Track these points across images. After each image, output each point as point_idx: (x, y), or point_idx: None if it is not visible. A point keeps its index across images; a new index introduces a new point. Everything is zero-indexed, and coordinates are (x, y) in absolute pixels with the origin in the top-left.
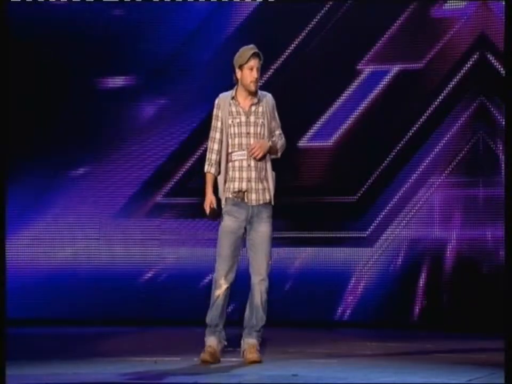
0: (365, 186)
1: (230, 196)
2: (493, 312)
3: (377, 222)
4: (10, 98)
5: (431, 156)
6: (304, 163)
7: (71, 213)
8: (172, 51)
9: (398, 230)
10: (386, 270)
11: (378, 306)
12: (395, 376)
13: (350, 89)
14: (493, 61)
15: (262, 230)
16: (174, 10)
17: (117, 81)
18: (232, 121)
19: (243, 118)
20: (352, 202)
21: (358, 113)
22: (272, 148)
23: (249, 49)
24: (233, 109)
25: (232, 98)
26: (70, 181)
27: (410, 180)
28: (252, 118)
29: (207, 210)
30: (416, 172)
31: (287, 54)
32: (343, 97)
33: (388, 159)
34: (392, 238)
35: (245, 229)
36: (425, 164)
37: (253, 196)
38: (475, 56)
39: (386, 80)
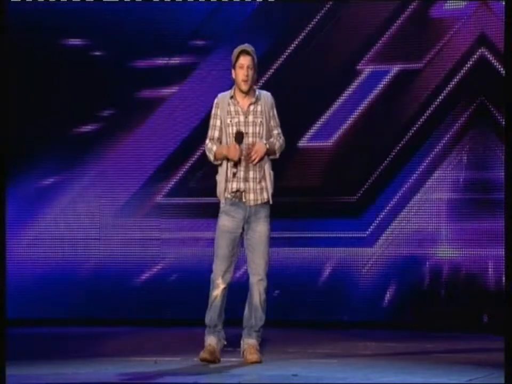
0: (365, 186)
1: (229, 196)
2: (493, 312)
3: (377, 222)
4: (9, 98)
5: (431, 155)
6: (304, 163)
7: (71, 213)
8: (172, 51)
9: (398, 230)
10: (386, 270)
11: (378, 306)
12: (395, 376)
13: (350, 89)
14: (493, 61)
15: (260, 229)
16: (174, 11)
17: (117, 81)
18: (231, 121)
19: (241, 118)
20: (352, 202)
21: (358, 113)
22: (270, 149)
23: (239, 47)
24: (232, 109)
25: (231, 97)
26: (70, 181)
27: (410, 180)
28: (250, 118)
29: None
30: (416, 172)
31: (287, 54)
32: (343, 97)
33: (388, 159)
34: (392, 238)
35: (243, 228)
36: (425, 164)
37: (251, 196)
38: (475, 56)
39: (386, 80)
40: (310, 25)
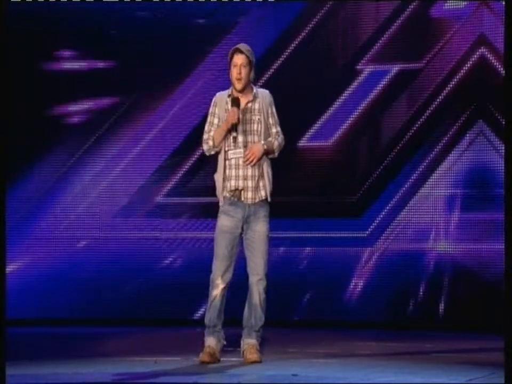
0: (365, 186)
1: (227, 195)
2: (493, 312)
3: (377, 222)
4: (8, 98)
5: (431, 155)
6: (304, 163)
7: (71, 213)
8: (173, 52)
9: (398, 229)
10: (386, 270)
11: (378, 306)
12: (395, 376)
13: (350, 89)
14: (493, 61)
15: (259, 229)
16: (175, 10)
17: (116, 81)
18: None
19: (239, 115)
20: (352, 202)
21: (358, 113)
22: (268, 150)
23: (234, 47)
24: (230, 107)
25: (229, 96)
26: (70, 181)
27: (410, 180)
28: (248, 116)
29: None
30: (416, 172)
31: (287, 54)
32: (343, 97)
33: (388, 159)
34: (392, 238)
35: (242, 228)
36: (425, 164)
37: (249, 194)
38: (475, 56)
39: (386, 80)
40: (310, 25)
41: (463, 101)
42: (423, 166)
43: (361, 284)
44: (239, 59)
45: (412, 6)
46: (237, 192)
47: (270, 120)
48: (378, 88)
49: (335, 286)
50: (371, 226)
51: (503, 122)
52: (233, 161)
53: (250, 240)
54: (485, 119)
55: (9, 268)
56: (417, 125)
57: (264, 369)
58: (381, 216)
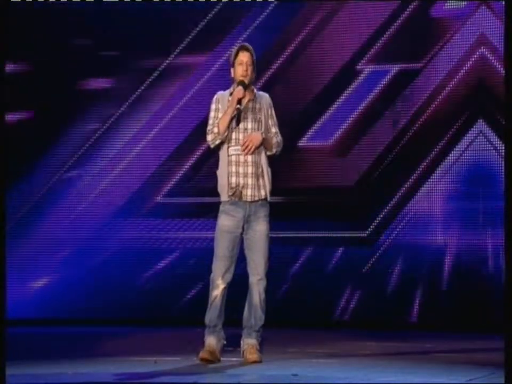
0: (365, 186)
1: (229, 193)
2: (492, 312)
3: (377, 222)
4: (7, 98)
5: (431, 155)
6: (304, 163)
7: (71, 213)
8: (173, 50)
9: (397, 229)
10: (386, 270)
11: (378, 306)
12: (395, 376)
13: (350, 89)
14: (493, 61)
15: (260, 229)
16: (174, 11)
17: (116, 81)
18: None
19: (240, 114)
20: (352, 202)
21: (358, 113)
22: (266, 141)
23: (238, 45)
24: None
25: (230, 94)
26: (70, 181)
27: (410, 180)
28: (249, 114)
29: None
30: (416, 172)
31: (287, 53)
32: (343, 97)
33: (388, 159)
34: (392, 237)
35: (243, 228)
36: (425, 164)
37: (249, 192)
38: (475, 56)
39: (386, 80)
40: (310, 25)
41: (463, 101)
42: (423, 166)
43: (361, 284)
44: (245, 57)
45: (412, 6)
46: (237, 191)
47: (270, 122)
48: (378, 88)
49: (335, 286)
50: (371, 226)
51: (503, 122)
52: (233, 158)
53: (250, 240)
54: (485, 119)
55: (9, 268)
56: (417, 125)
57: (264, 369)
58: (381, 216)
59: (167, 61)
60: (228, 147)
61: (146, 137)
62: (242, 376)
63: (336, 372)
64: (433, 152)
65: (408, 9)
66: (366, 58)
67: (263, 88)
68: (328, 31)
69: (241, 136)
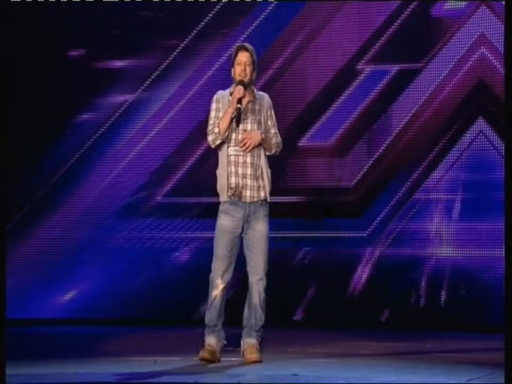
0: (365, 186)
1: (229, 192)
2: (492, 312)
3: (377, 222)
4: (8, 98)
5: (431, 155)
6: (304, 163)
7: (71, 213)
8: (173, 50)
9: (398, 229)
10: (386, 269)
11: (378, 306)
12: (395, 376)
13: (350, 89)
14: (493, 61)
15: (260, 228)
16: (178, 10)
17: (115, 81)
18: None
19: (241, 114)
20: (352, 202)
21: (358, 113)
22: (265, 140)
23: (238, 44)
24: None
25: (230, 94)
26: (70, 181)
27: (410, 180)
28: (248, 115)
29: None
30: (416, 172)
31: (287, 54)
32: (343, 97)
33: (388, 158)
34: (392, 237)
35: (242, 228)
36: (425, 164)
37: (248, 193)
38: (475, 56)
39: (386, 80)
40: (310, 25)
41: (463, 101)
42: (423, 166)
43: (361, 284)
44: (244, 56)
45: (412, 6)
46: (237, 192)
47: (269, 122)
48: (378, 88)
49: (335, 286)
50: (371, 226)
51: (503, 122)
52: (232, 158)
53: (250, 239)
54: (485, 118)
55: (9, 268)
56: (417, 125)
57: (264, 369)
58: (381, 216)
59: (167, 61)
60: (228, 147)
61: (146, 137)
62: (242, 376)
63: (336, 371)
64: (434, 152)
65: (408, 9)
66: (366, 58)
67: (263, 88)
68: (328, 31)
69: (240, 136)
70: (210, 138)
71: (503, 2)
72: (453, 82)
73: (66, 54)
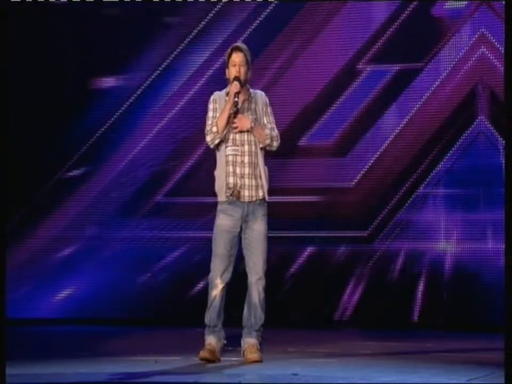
0: (365, 186)
1: (227, 192)
2: (492, 312)
3: (377, 221)
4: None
5: (431, 155)
6: (304, 162)
7: (71, 213)
8: (169, 52)
9: (398, 229)
10: (386, 269)
11: (378, 306)
12: (395, 376)
13: (350, 89)
14: (493, 61)
15: (258, 228)
16: (173, 11)
17: (115, 81)
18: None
19: (238, 110)
20: (352, 202)
21: (358, 113)
22: (256, 129)
23: (232, 45)
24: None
25: (227, 94)
26: (71, 181)
27: (410, 179)
28: (245, 114)
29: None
30: (417, 171)
31: (287, 54)
32: (343, 97)
33: (388, 158)
34: (392, 237)
35: (241, 227)
36: (425, 163)
37: (246, 193)
38: (475, 56)
39: (386, 80)
40: (310, 25)
41: (463, 101)
42: (423, 166)
43: (361, 283)
44: (237, 57)
45: (412, 6)
46: (235, 191)
47: (264, 119)
48: (378, 88)
49: (335, 286)
50: (371, 226)
51: (503, 122)
52: (230, 158)
53: (249, 239)
54: (485, 118)
55: (9, 268)
56: (417, 125)
57: (264, 368)
58: (381, 216)
59: (167, 61)
60: (225, 147)
61: (146, 137)
62: (242, 375)
63: (336, 371)
64: (434, 151)
65: (408, 9)
66: (366, 58)
67: (263, 88)
68: (328, 31)
69: (238, 136)
70: (208, 138)
71: (503, 2)
72: (453, 82)
73: (66, 54)
